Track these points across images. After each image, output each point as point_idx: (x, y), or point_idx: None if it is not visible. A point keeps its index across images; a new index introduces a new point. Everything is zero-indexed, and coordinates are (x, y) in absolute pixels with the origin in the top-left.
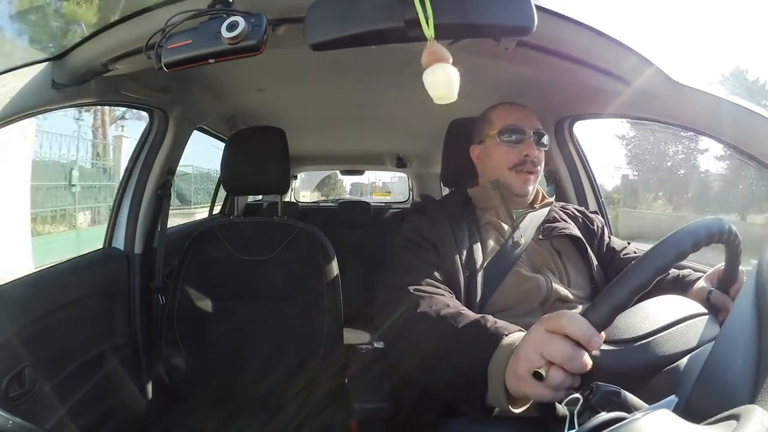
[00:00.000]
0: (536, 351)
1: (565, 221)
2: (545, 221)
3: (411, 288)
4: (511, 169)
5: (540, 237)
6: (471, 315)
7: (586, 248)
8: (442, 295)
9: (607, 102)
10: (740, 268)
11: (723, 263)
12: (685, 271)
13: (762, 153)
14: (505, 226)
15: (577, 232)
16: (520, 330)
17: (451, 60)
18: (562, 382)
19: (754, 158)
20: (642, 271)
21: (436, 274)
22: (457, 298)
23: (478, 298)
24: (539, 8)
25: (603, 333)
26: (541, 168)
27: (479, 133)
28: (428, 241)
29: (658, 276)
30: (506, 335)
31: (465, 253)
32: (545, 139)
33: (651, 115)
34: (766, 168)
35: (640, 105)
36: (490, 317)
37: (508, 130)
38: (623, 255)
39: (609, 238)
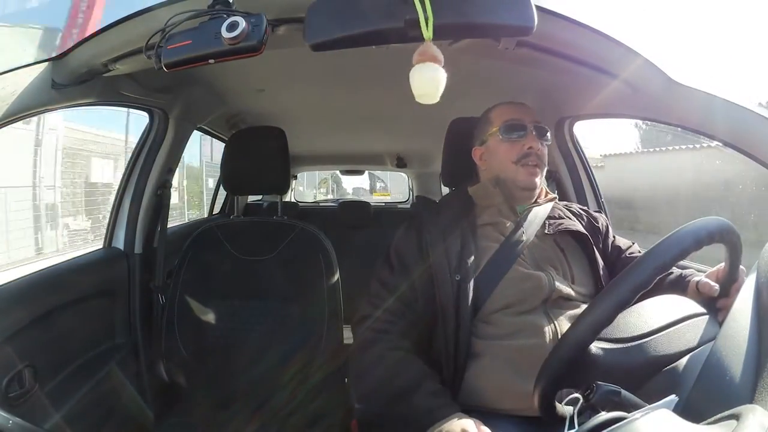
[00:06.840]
0: None
1: (570, 218)
2: (549, 217)
3: (366, 324)
4: (515, 163)
5: (545, 232)
6: (412, 378)
7: (592, 246)
8: (387, 332)
9: (607, 102)
10: (741, 267)
11: (724, 263)
12: (687, 271)
13: (763, 153)
14: (507, 223)
15: (582, 229)
16: (450, 417)
17: (442, 62)
18: None
19: (755, 159)
20: (598, 306)
21: (397, 303)
22: (445, 304)
23: (470, 302)
24: (539, 8)
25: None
26: (545, 162)
27: (481, 134)
28: (407, 256)
29: (616, 312)
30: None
31: (455, 257)
32: (547, 134)
33: (651, 115)
34: (767, 168)
35: (640, 105)
36: (429, 386)
37: (509, 126)
38: (629, 254)
39: (614, 236)
